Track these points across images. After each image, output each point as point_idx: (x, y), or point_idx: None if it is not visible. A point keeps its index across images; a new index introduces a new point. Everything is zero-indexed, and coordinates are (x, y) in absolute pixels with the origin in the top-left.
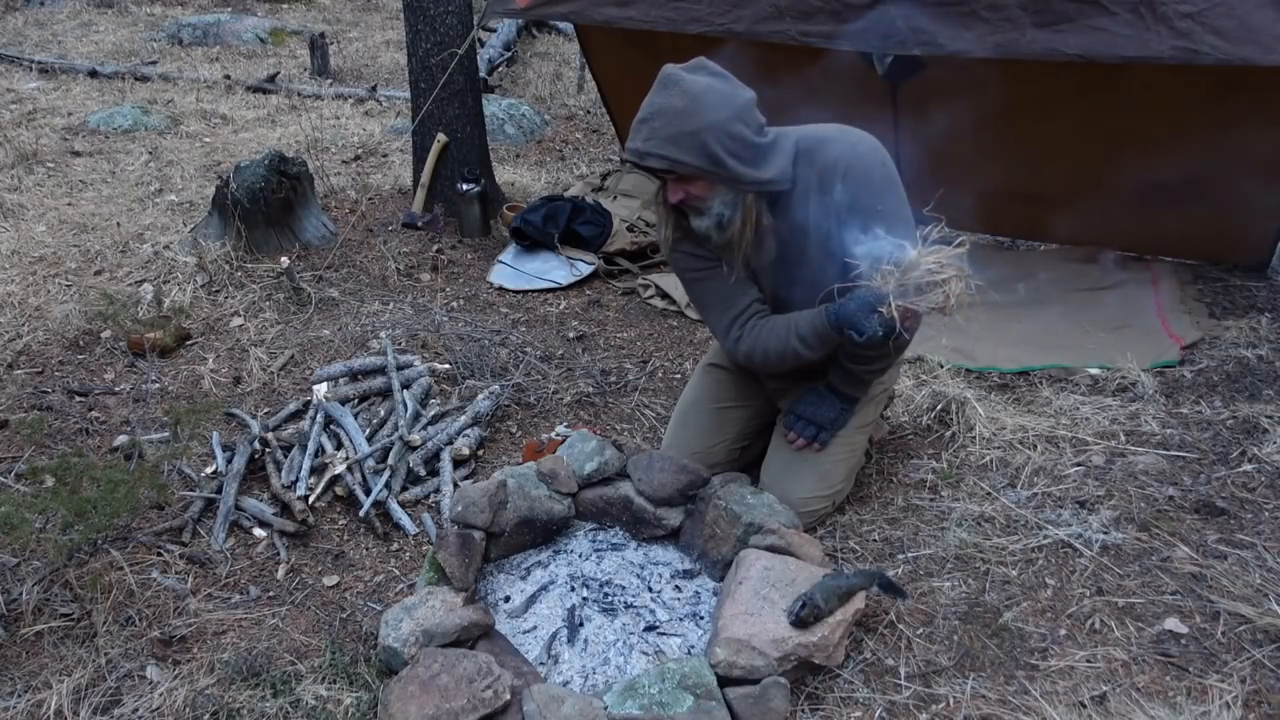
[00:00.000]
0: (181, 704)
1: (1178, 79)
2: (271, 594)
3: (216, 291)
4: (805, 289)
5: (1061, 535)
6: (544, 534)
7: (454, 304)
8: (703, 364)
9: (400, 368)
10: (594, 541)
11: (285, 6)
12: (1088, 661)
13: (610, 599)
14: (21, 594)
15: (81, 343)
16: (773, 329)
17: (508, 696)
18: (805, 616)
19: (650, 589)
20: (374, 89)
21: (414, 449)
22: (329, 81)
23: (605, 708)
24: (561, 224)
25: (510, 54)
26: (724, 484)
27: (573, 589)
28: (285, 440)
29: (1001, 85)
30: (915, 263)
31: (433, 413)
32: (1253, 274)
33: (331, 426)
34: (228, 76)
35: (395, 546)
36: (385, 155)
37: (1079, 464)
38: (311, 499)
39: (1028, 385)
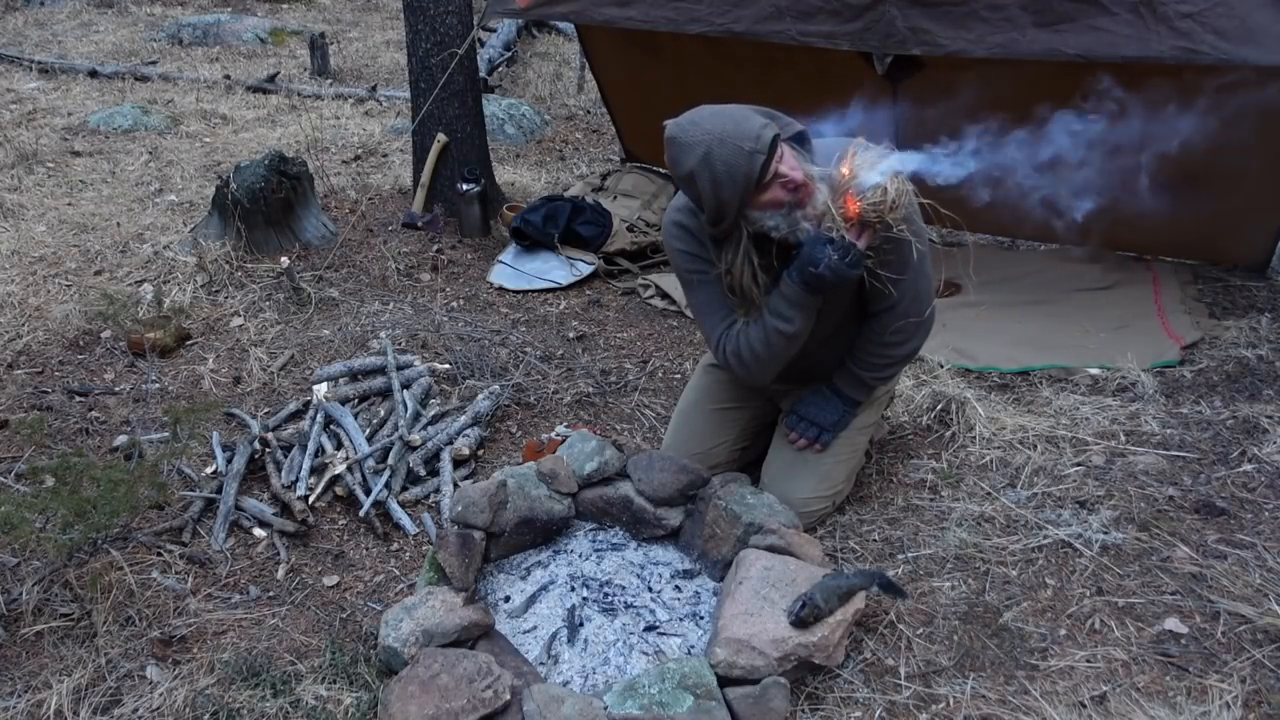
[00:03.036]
0: (181, 704)
1: (1177, 79)
2: (271, 594)
3: (216, 291)
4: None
5: (1061, 535)
6: (544, 534)
7: (454, 304)
8: (703, 364)
9: (400, 368)
10: (594, 541)
11: (285, 6)
12: (1088, 661)
13: (610, 599)
14: (21, 594)
15: (81, 343)
16: (753, 322)
17: (508, 696)
18: (805, 616)
19: (650, 589)
20: (374, 89)
21: (414, 449)
22: (329, 81)
23: (605, 708)
24: (561, 224)
25: (510, 54)
26: (724, 484)
27: (573, 589)
28: (285, 440)
29: (1001, 85)
30: (846, 168)
31: (433, 413)
32: (1253, 274)
33: (331, 426)
34: (228, 76)
35: (395, 546)
36: (385, 155)
37: (1079, 464)
38: (311, 499)
39: (1028, 385)
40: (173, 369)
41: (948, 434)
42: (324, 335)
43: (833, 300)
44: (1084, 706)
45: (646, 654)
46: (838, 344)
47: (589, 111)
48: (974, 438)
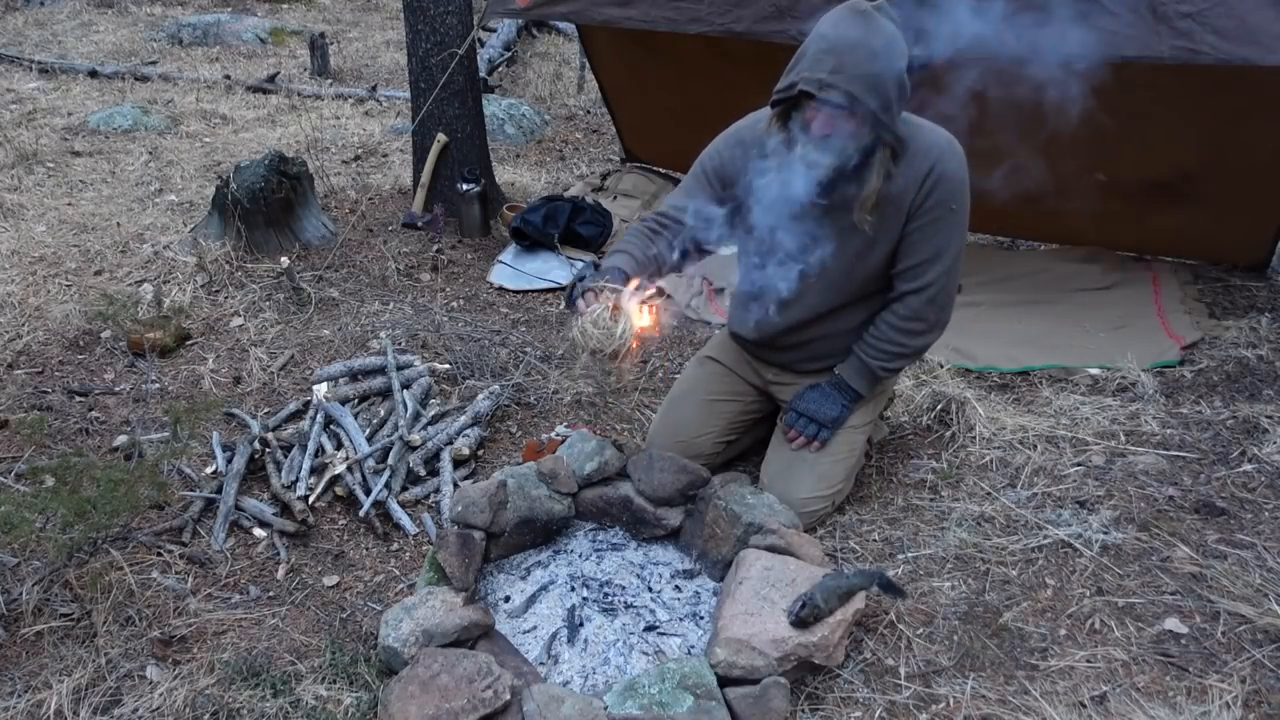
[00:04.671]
0: (181, 704)
1: (1176, 78)
2: (271, 594)
3: (216, 291)
4: (836, 242)
5: (1061, 535)
6: (544, 534)
7: (454, 304)
8: (698, 355)
9: (400, 368)
10: (594, 541)
11: (285, 6)
12: (1088, 661)
13: (610, 599)
14: (21, 594)
15: (81, 343)
16: (651, 219)
17: (508, 696)
18: (805, 616)
19: (650, 589)
20: (374, 89)
21: (414, 449)
22: (329, 81)
23: (605, 708)
24: (561, 224)
25: (510, 54)
26: (724, 484)
27: (573, 589)
28: (285, 440)
29: (1001, 85)
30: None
31: (433, 413)
32: (1253, 274)
33: (331, 426)
34: (228, 76)
35: (395, 546)
36: (385, 155)
37: (1079, 464)
38: (311, 499)
39: (1028, 385)
40: (173, 369)
41: (948, 434)
42: (324, 335)
43: (839, 263)
44: (1084, 706)
45: (646, 654)
46: (836, 324)
47: (589, 111)
48: (974, 438)
